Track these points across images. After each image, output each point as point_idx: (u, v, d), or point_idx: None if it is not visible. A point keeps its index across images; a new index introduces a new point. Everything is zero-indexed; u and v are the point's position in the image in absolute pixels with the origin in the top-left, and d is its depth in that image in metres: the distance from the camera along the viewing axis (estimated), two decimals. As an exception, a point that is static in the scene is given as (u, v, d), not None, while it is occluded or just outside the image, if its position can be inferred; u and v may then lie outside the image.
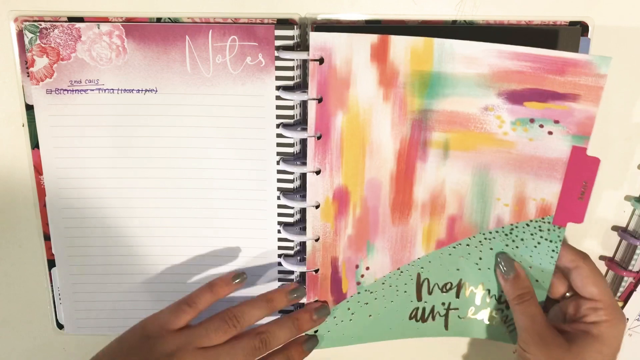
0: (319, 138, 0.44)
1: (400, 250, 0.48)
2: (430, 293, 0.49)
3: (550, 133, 0.43)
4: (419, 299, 0.49)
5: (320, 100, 0.43)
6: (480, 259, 0.47)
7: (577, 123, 0.42)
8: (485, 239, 0.47)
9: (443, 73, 0.42)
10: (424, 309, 0.49)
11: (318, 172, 0.45)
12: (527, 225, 0.46)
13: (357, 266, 0.48)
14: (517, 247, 0.46)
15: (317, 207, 0.46)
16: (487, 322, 0.49)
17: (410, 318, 0.49)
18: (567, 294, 0.47)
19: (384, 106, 0.44)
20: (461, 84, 0.43)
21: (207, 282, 0.46)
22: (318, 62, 0.42)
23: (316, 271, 0.48)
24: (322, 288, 0.48)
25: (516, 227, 0.46)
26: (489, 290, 0.48)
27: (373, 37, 0.42)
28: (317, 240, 0.47)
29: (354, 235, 0.47)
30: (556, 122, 0.42)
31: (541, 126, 0.43)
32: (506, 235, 0.46)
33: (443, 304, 0.49)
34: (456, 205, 0.46)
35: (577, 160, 0.43)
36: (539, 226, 0.45)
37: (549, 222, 0.45)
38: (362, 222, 0.47)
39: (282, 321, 0.46)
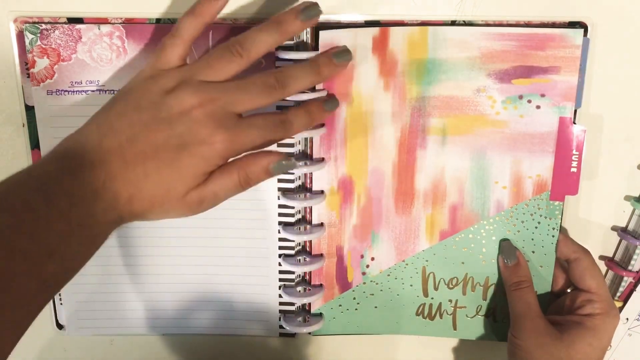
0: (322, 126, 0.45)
1: (404, 242, 0.48)
2: (436, 289, 0.49)
3: (538, 107, 0.45)
4: (425, 294, 0.49)
5: (324, 90, 0.44)
6: (484, 250, 0.48)
7: (561, 94, 0.45)
8: (487, 227, 0.48)
9: (438, 59, 0.45)
10: (430, 305, 0.50)
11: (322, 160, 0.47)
12: (526, 205, 0.47)
13: (362, 256, 0.49)
14: (518, 231, 0.47)
15: (322, 193, 0.47)
16: (497, 322, 0.50)
17: (417, 314, 0.50)
18: (568, 290, 0.47)
19: (384, 96, 0.45)
20: (455, 69, 0.45)
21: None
22: None
23: (321, 255, 0.48)
24: (327, 276, 0.49)
25: (515, 209, 0.47)
26: (494, 286, 0.49)
27: (375, 30, 0.44)
28: (321, 225, 0.48)
29: (358, 225, 0.48)
30: (542, 95, 0.45)
31: (529, 101, 0.45)
32: (507, 220, 0.47)
33: (450, 301, 0.49)
34: (457, 193, 0.47)
35: (566, 130, 0.45)
36: (537, 204, 0.47)
37: (546, 199, 0.47)
38: (366, 212, 0.48)
39: (300, 64, 0.40)
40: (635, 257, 0.48)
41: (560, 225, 0.47)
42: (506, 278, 0.47)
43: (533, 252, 0.47)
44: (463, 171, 0.47)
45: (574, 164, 0.46)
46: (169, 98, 0.36)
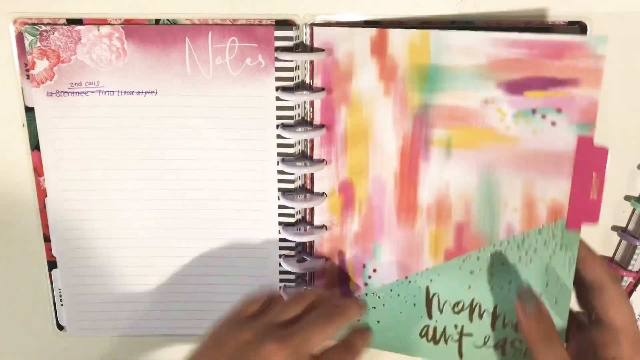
0: (322, 127, 0.45)
1: (407, 257, 0.46)
2: (441, 311, 0.46)
3: (553, 124, 0.40)
4: (430, 316, 0.46)
5: (323, 90, 0.44)
6: (492, 276, 0.44)
7: (580, 110, 0.40)
8: (496, 251, 0.44)
9: (441, 66, 0.41)
10: (435, 328, 0.46)
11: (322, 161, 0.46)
12: (539, 232, 0.42)
13: (364, 265, 0.47)
14: (530, 260, 0.43)
15: (322, 195, 0.47)
16: (505, 355, 0.46)
17: (422, 336, 0.47)
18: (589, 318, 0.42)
19: (385, 101, 0.43)
20: (459, 77, 0.41)
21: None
22: (322, 55, 0.43)
23: (321, 257, 0.48)
24: (329, 279, 0.48)
25: (528, 235, 0.43)
26: (505, 316, 0.45)
27: (372, 31, 0.42)
28: (322, 227, 0.47)
29: (360, 233, 0.47)
30: (559, 110, 0.40)
31: (543, 117, 0.41)
32: (518, 246, 0.43)
33: (456, 326, 0.46)
34: (463, 211, 0.44)
35: (584, 151, 0.40)
36: (552, 232, 0.42)
37: (562, 227, 0.42)
38: (368, 221, 0.46)
39: (350, 300, 0.47)
40: (635, 257, 0.48)
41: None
42: (528, 331, 0.40)
43: (547, 284, 0.43)
44: (470, 188, 0.43)
45: (594, 189, 0.40)
46: (249, 350, 0.39)
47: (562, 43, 0.39)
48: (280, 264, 0.49)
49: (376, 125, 0.44)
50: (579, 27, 0.44)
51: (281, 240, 0.49)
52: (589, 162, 0.40)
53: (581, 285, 0.42)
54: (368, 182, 0.46)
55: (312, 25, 0.44)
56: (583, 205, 0.41)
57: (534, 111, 0.41)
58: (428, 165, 0.44)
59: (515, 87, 0.41)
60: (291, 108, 0.46)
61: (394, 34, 0.42)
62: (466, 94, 0.42)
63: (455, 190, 0.44)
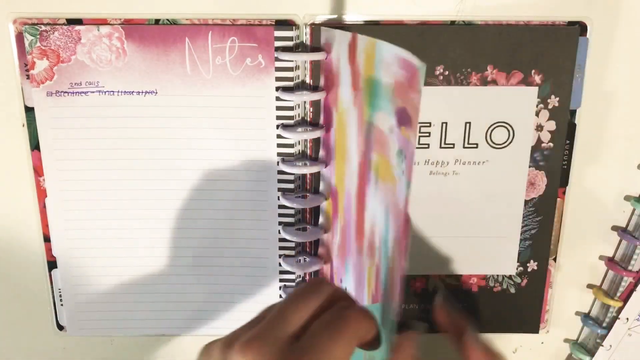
0: (322, 128, 0.44)
1: (358, 287, 0.39)
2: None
3: (403, 173, 0.30)
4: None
5: (323, 91, 0.44)
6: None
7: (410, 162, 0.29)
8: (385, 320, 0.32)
9: (379, 81, 0.34)
10: None
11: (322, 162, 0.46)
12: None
13: (341, 280, 0.45)
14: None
15: (322, 195, 0.46)
16: None
17: None
18: None
19: (353, 112, 0.39)
20: (383, 95, 0.33)
21: None
22: (322, 55, 0.43)
23: (321, 258, 0.47)
24: (325, 276, 0.48)
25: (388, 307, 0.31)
26: None
27: (348, 35, 0.39)
28: (321, 228, 0.47)
29: (340, 245, 0.45)
30: (405, 157, 0.30)
31: (402, 161, 0.30)
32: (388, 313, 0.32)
33: None
34: (377, 254, 0.35)
35: (404, 220, 0.28)
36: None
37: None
38: (344, 236, 0.43)
39: None
40: (635, 257, 0.48)
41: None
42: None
43: None
44: (380, 232, 0.34)
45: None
46: None
47: (411, 67, 0.28)
48: (280, 264, 0.49)
49: (349, 135, 0.41)
50: (579, 27, 0.44)
51: (281, 240, 0.49)
52: (402, 236, 0.29)
53: None
54: (344, 195, 0.42)
55: (312, 25, 0.44)
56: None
57: (400, 153, 0.31)
58: (368, 192, 0.37)
59: (400, 118, 0.31)
60: (291, 108, 0.46)
61: (360, 40, 0.37)
62: (383, 117, 0.33)
63: (377, 229, 0.35)
